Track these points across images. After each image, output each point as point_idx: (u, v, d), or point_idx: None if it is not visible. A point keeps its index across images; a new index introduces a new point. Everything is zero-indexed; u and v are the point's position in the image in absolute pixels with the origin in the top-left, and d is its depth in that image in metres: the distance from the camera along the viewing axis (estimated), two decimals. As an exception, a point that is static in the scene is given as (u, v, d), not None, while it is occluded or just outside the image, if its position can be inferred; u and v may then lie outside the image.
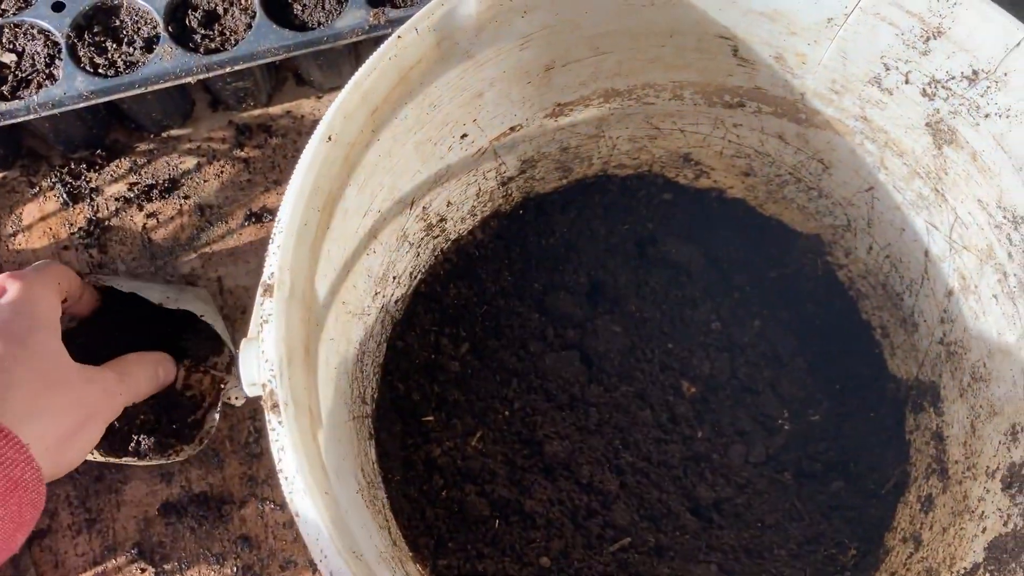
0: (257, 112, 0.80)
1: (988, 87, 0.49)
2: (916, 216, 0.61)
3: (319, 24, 0.70)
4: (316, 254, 0.46)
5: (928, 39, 0.50)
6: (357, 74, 0.45)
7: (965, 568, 0.52)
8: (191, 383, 0.68)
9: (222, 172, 0.78)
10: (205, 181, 0.77)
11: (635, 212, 0.74)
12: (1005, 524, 0.51)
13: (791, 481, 0.68)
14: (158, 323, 0.68)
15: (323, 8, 0.71)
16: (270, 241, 0.43)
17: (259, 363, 0.41)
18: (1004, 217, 0.53)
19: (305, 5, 0.71)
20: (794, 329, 0.73)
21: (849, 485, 0.68)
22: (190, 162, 0.78)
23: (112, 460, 0.64)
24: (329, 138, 0.44)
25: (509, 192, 0.70)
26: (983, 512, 0.54)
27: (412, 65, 0.48)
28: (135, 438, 0.65)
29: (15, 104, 0.67)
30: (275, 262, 0.42)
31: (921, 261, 0.62)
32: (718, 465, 0.68)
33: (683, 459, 0.68)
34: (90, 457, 0.64)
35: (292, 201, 0.43)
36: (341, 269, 0.52)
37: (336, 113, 0.44)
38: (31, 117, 0.67)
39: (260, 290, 0.43)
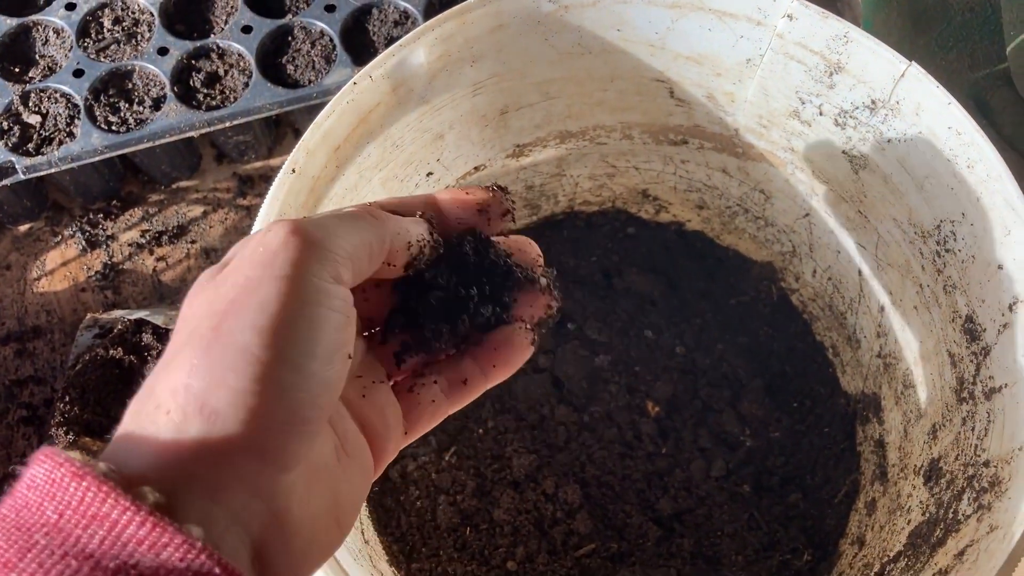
0: (259, 164, 0.87)
1: (886, 115, 0.55)
2: (847, 238, 0.66)
3: (309, 82, 0.78)
4: (285, 274, 0.52)
5: (832, 74, 0.56)
6: (319, 116, 0.52)
7: (889, 556, 0.56)
8: None
9: (226, 219, 0.85)
10: (210, 227, 0.85)
11: (601, 246, 0.80)
12: (923, 514, 0.55)
13: (750, 494, 0.72)
14: None
15: (313, 68, 0.79)
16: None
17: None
18: (915, 233, 0.58)
19: (297, 65, 0.79)
20: (753, 352, 0.78)
21: (805, 496, 0.71)
22: (197, 210, 0.85)
23: None
24: (293, 170, 0.51)
25: (481, 228, 0.76)
26: (910, 507, 0.58)
27: (371, 108, 0.55)
28: None
29: (39, 159, 0.75)
30: (243, 277, 0.48)
31: (856, 280, 0.67)
32: (680, 479, 0.72)
33: (646, 473, 0.72)
34: None
35: (258, 226, 0.50)
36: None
37: (299, 149, 0.51)
38: (53, 171, 0.75)
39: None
